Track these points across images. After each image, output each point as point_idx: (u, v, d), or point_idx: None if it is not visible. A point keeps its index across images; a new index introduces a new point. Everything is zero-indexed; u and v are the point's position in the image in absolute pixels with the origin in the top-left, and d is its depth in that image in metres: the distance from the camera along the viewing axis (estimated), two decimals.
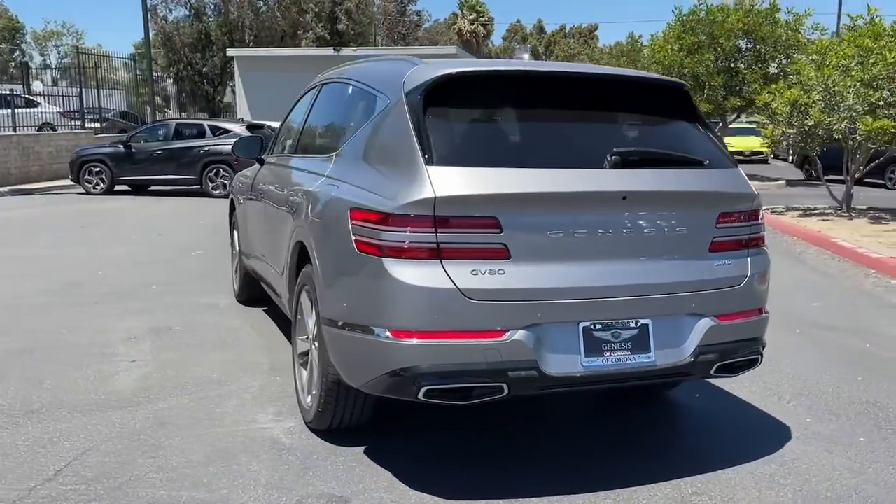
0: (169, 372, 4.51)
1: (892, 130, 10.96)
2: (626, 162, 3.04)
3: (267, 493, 3.03)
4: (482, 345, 2.82)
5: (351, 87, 3.90)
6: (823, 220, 11.89)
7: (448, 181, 2.82)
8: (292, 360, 3.98)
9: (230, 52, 32.75)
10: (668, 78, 3.70)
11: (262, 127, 17.43)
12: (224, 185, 16.26)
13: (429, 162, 2.87)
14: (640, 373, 3.02)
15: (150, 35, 27.80)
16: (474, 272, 2.83)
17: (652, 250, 3.06)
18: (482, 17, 57.89)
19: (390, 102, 3.24)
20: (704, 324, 3.11)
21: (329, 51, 27.25)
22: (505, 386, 2.86)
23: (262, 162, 5.40)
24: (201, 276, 7.40)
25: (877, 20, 12.12)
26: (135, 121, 23.65)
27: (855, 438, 3.65)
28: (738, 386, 4.28)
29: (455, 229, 2.82)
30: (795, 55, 18.66)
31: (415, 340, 2.82)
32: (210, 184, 15.55)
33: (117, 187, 16.10)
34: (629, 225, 3.00)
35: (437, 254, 2.82)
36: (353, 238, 3.00)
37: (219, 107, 43.13)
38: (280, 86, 24.71)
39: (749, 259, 3.27)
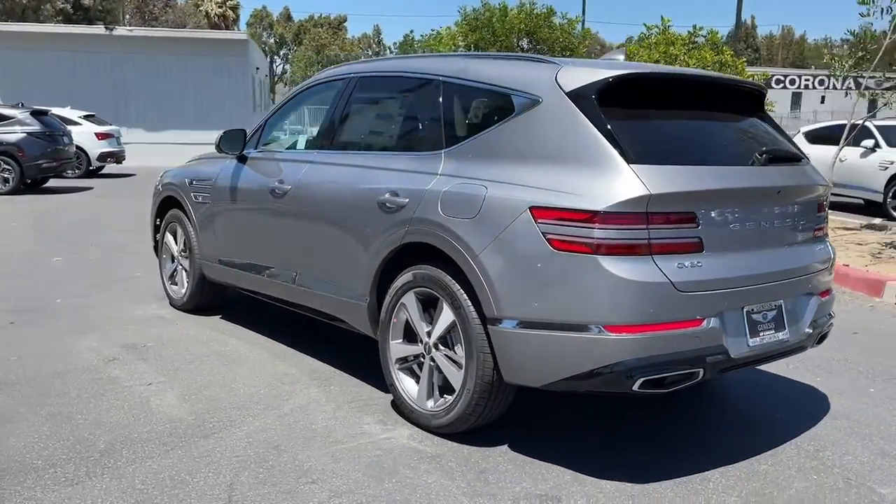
0: (206, 392, 4.10)
1: None
2: (772, 159, 3.38)
3: (486, 502, 2.96)
4: (687, 334, 3.01)
5: (442, 84, 3.79)
6: None
7: (656, 179, 2.96)
8: (388, 366, 3.82)
9: None
10: (759, 83, 4.10)
11: (46, 113, 15.58)
12: (6, 181, 14.36)
13: (630, 161, 2.99)
14: (779, 350, 3.39)
15: None
16: (680, 265, 3.00)
17: (788, 238, 3.44)
18: (230, 0, 55.80)
19: (545, 102, 3.27)
20: (815, 301, 3.56)
21: (99, 29, 24.65)
22: (701, 371, 3.07)
23: (243, 158, 5.00)
24: (97, 286, 6.60)
25: (669, 30, 13.79)
26: None
27: None
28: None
29: (663, 225, 2.98)
30: (573, 56, 20.48)
31: (631, 334, 2.94)
32: None
33: None
34: (777, 216, 3.35)
35: (649, 249, 2.96)
36: (546, 237, 3.02)
37: None
38: (35, 66, 22.09)
39: (828, 243, 3.78)
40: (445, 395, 3.55)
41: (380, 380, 3.99)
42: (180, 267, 5.80)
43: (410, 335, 3.76)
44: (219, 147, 4.96)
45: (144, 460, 3.26)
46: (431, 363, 3.60)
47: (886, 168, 12.97)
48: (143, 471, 3.17)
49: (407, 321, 3.74)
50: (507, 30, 20.05)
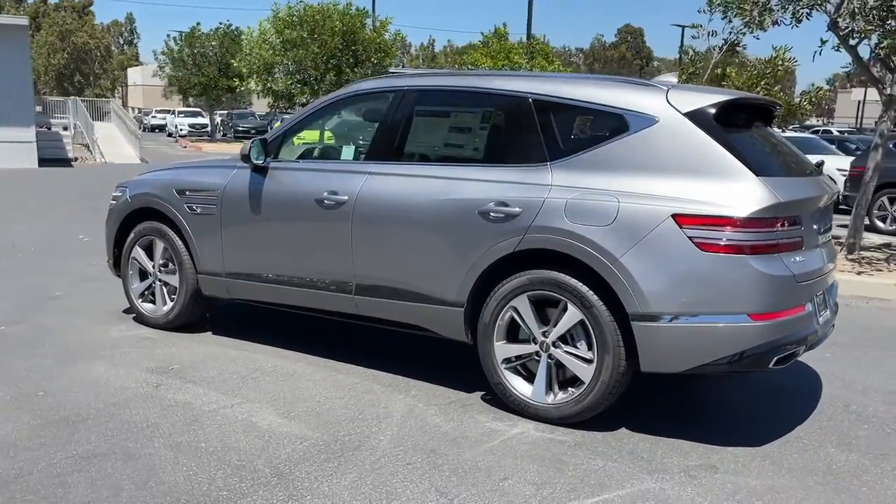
0: (301, 408, 4.07)
1: None
2: (817, 171, 4.12)
3: (665, 477, 3.36)
4: (799, 317, 3.65)
5: (534, 102, 4.05)
6: None
7: (780, 189, 3.56)
8: (493, 366, 4.05)
9: None
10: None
11: None
12: None
13: (756, 173, 3.55)
14: (827, 329, 4.12)
15: None
16: (794, 260, 3.63)
17: (824, 237, 4.17)
18: None
19: (662, 121, 3.73)
20: (833, 288, 4.36)
21: None
22: (803, 348, 3.72)
23: (261, 169, 4.87)
24: (25, 308, 5.95)
25: (506, 39, 14.84)
26: None
27: None
28: None
29: (784, 227, 3.58)
30: (386, 59, 21.12)
31: (770, 320, 3.52)
32: None
33: None
34: (819, 218, 4.06)
35: (777, 248, 3.54)
36: (694, 241, 3.49)
37: None
38: None
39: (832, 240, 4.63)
40: (569, 388, 3.88)
41: (449, 380, 4.39)
42: (158, 283, 5.46)
43: (512, 336, 4.03)
44: (248, 156, 4.79)
45: (329, 477, 3.26)
46: (549, 360, 3.91)
47: None
48: (338, 486, 3.18)
49: (510, 323, 4.00)
50: (327, 29, 20.09)
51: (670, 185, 3.64)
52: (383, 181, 4.43)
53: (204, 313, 5.49)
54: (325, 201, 4.55)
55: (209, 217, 5.11)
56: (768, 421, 4.13)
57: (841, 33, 8.98)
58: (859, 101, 57.36)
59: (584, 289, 3.74)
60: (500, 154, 4.25)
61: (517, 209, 3.91)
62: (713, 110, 3.74)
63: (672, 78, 4.43)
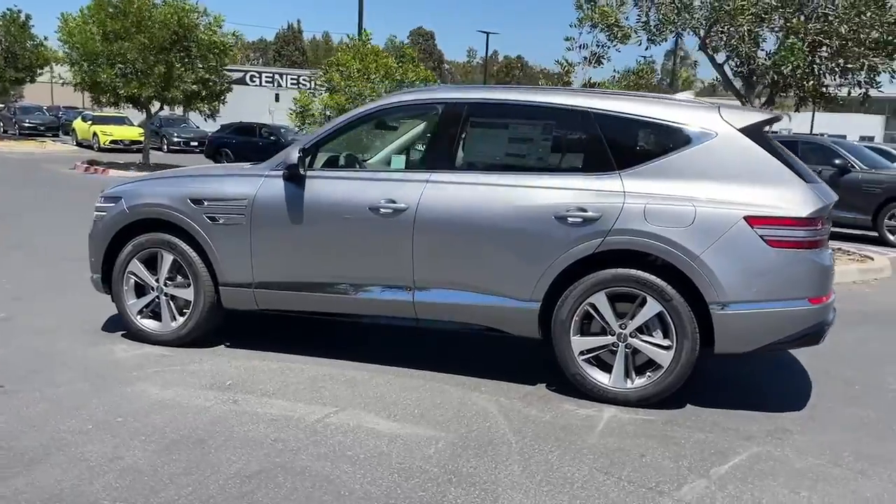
0: (406, 412, 4.18)
1: None
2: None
3: (753, 444, 3.93)
4: (832, 301, 4.39)
5: (596, 116, 4.46)
6: None
7: (820, 193, 4.27)
8: (571, 359, 4.42)
9: None
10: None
11: None
12: None
13: (804, 181, 4.23)
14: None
15: None
16: (827, 254, 4.34)
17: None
18: None
19: (720, 135, 4.30)
20: None
21: None
22: (828, 328, 4.45)
23: (296, 177, 4.86)
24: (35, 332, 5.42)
25: (369, 42, 15.04)
26: None
27: None
28: None
29: (822, 226, 4.28)
30: (224, 58, 20.46)
31: (822, 304, 4.22)
32: None
33: None
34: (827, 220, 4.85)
35: (820, 243, 4.25)
36: (764, 238, 4.10)
37: None
38: None
39: None
40: (647, 373, 4.34)
41: (504, 376, 4.73)
42: (164, 298, 5.21)
43: (584, 330, 4.43)
44: (296, 167, 4.75)
45: (496, 470, 3.47)
46: (627, 349, 4.35)
47: None
48: (514, 476, 3.41)
49: (584, 318, 4.40)
50: (156, 22, 19.00)
51: (736, 191, 4.22)
52: (446, 189, 4.62)
53: (214, 327, 5.31)
54: (382, 209, 4.65)
55: (235, 227, 4.98)
56: (788, 391, 4.85)
57: (710, 53, 10.28)
58: None
59: (663, 284, 4.22)
60: (566, 163, 4.62)
61: (595, 214, 4.30)
62: (759, 126, 4.38)
63: (689, 94, 5.04)
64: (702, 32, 10.03)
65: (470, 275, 4.57)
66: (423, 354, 5.24)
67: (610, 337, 4.39)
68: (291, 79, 47.29)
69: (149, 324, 5.28)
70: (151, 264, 5.24)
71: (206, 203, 5.04)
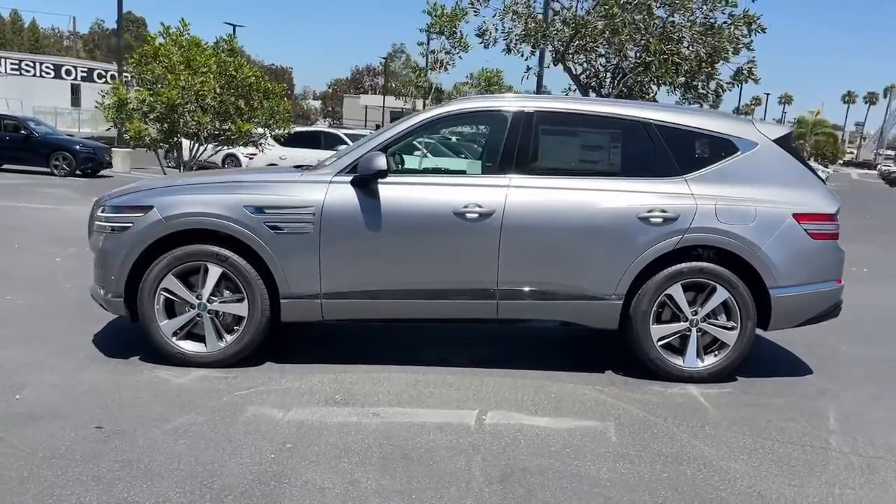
0: (563, 413, 4.37)
1: None
2: None
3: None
4: (843, 285, 5.35)
5: (656, 126, 4.98)
6: None
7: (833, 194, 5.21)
8: (650, 346, 4.91)
9: None
10: None
11: None
12: None
13: (823, 184, 5.15)
14: None
15: None
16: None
17: None
18: None
19: (760, 146, 5.06)
20: None
21: None
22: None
23: (363, 183, 4.78)
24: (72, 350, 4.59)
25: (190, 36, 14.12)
26: None
27: None
28: None
29: (837, 221, 5.22)
30: None
31: (842, 284, 5.16)
32: None
33: None
34: None
35: (838, 236, 5.18)
36: (808, 232, 4.94)
37: None
38: None
39: None
40: (715, 353, 4.97)
41: (569, 366, 5.15)
42: (207, 316, 4.79)
43: (658, 318, 4.96)
44: (384, 172, 4.65)
45: (687, 447, 3.86)
46: (698, 333, 4.94)
47: None
48: (705, 453, 3.81)
49: (661, 307, 4.92)
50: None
51: (778, 192, 5.00)
52: (528, 193, 4.85)
53: (262, 344, 4.97)
54: (468, 214, 4.76)
55: (301, 236, 4.74)
56: (789, 361, 5.77)
57: (566, 64, 11.32)
58: (366, 106, 65.28)
59: (731, 274, 4.88)
60: (636, 168, 5.06)
61: (674, 214, 4.83)
62: (787, 137, 5.20)
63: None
64: (561, 48, 11.03)
65: (555, 274, 4.85)
66: (463, 352, 5.38)
67: (683, 323, 4.95)
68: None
69: (187, 345, 4.81)
70: (186, 280, 4.78)
71: (266, 211, 4.73)
